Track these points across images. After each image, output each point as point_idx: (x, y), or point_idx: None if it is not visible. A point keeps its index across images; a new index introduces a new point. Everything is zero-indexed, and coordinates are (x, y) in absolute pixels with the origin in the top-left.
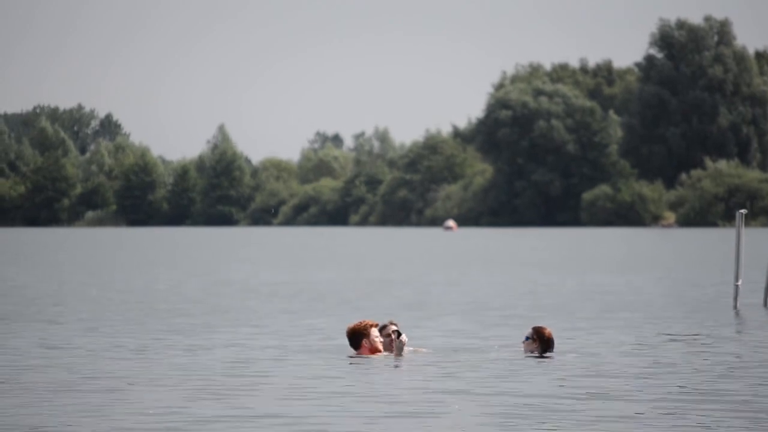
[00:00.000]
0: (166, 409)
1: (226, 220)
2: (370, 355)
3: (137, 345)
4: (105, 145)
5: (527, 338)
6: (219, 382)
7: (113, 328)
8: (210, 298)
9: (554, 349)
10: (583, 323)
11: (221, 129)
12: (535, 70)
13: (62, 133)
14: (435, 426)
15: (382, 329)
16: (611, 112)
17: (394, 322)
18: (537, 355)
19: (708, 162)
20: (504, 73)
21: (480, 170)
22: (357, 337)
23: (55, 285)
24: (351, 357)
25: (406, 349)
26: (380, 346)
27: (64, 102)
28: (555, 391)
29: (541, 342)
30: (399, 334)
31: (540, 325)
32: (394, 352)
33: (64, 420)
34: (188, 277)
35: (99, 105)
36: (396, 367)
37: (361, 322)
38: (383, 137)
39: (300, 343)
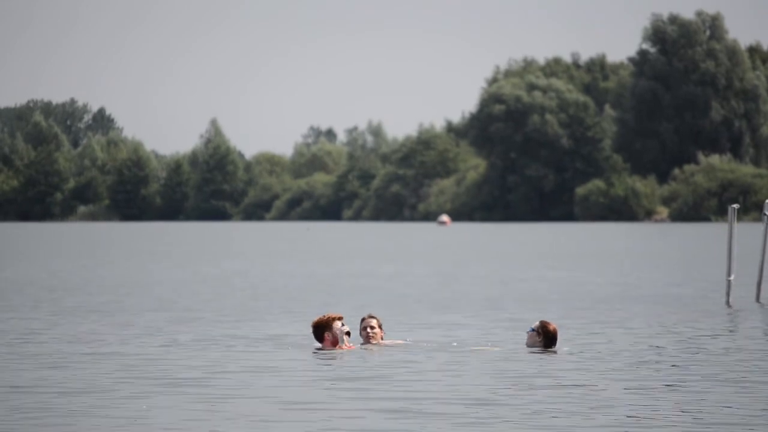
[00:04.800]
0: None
1: (220, 215)
2: (332, 348)
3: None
4: (97, 139)
5: (532, 329)
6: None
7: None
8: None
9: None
10: (576, 318)
11: (214, 123)
12: (528, 64)
13: (55, 128)
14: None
15: (362, 322)
16: (607, 107)
17: (373, 315)
18: (540, 349)
19: (701, 157)
20: (497, 67)
21: (473, 165)
22: (320, 330)
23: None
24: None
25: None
26: (339, 339)
27: (58, 96)
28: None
29: (545, 337)
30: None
31: (547, 320)
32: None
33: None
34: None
35: (92, 99)
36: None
37: (324, 316)
38: (376, 132)
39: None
